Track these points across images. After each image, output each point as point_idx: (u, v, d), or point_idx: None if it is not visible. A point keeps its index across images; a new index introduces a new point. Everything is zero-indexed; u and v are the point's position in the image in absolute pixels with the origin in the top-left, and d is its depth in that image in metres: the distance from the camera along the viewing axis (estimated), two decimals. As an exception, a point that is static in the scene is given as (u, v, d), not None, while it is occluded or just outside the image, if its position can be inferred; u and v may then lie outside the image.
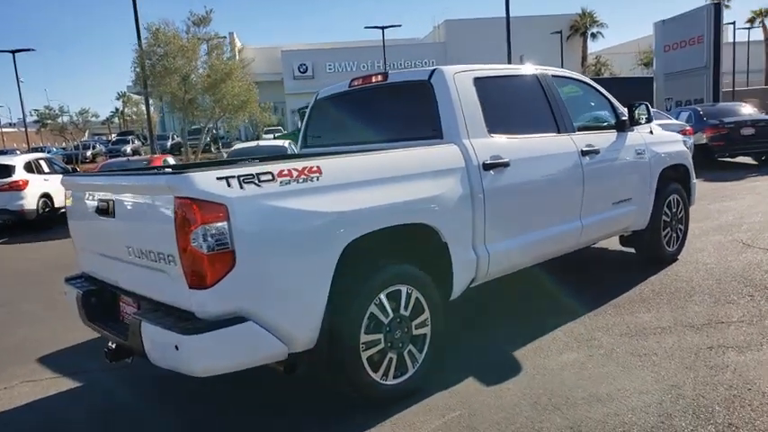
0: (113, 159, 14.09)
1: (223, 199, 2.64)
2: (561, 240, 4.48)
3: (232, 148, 13.36)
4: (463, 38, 45.13)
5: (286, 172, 2.88)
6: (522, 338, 4.10)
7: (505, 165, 3.89)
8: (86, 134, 51.21)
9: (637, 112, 5.08)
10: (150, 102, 24.03)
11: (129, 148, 35.21)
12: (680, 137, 5.91)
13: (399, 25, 43.05)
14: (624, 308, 4.59)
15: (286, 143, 13.18)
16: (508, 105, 4.27)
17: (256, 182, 2.77)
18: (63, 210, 12.99)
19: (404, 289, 3.34)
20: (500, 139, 3.98)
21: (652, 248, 5.59)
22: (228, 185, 2.68)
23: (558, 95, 4.58)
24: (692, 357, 3.60)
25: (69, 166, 14.54)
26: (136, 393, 3.79)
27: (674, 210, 5.72)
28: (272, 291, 2.81)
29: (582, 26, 48.12)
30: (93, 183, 3.45)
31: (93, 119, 42.55)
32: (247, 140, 39.65)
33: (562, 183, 4.39)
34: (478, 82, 4.03)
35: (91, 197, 3.44)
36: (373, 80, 4.37)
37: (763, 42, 48.28)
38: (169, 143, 35.60)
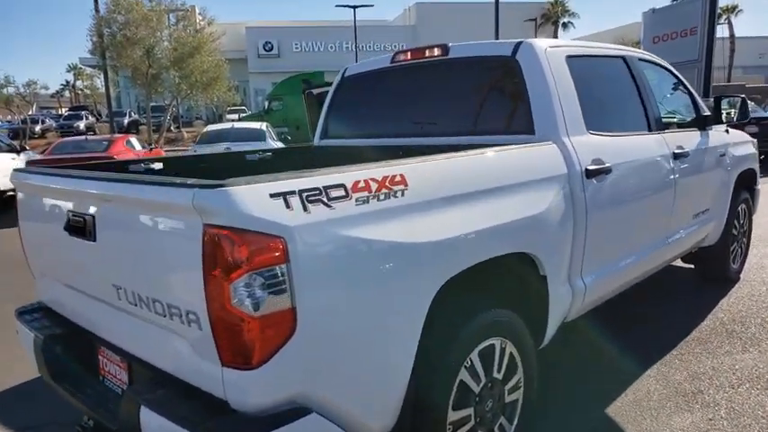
0: (68, 138, 12.59)
1: (282, 229, 1.67)
2: (649, 263, 3.66)
3: (204, 130, 12.10)
4: (434, 22, 44.11)
5: (363, 184, 1.92)
6: (609, 389, 3.26)
7: (607, 171, 3.02)
8: (34, 107, 48.22)
9: (724, 107, 4.28)
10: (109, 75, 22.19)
11: (82, 125, 32.90)
12: (748, 137, 5.16)
13: (372, 5, 41.40)
14: (713, 344, 3.81)
15: (263, 125, 12.04)
16: (601, 94, 3.39)
17: (325, 200, 1.80)
18: (9, 193, 11.55)
19: (497, 343, 2.44)
20: (597, 138, 3.10)
21: (718, 266, 4.85)
22: (287, 206, 1.71)
23: (647, 84, 3.73)
24: None
25: (16, 143, 12.97)
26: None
27: (742, 221, 4.99)
28: (347, 363, 1.87)
29: (554, 15, 47.81)
30: (60, 187, 2.39)
31: (42, 91, 40.07)
32: (208, 121, 37.83)
33: (657, 194, 3.54)
34: (571, 62, 3.12)
35: (57, 205, 2.41)
36: (427, 54, 3.41)
37: (728, 39, 48.95)
38: (126, 120, 33.41)
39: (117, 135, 13.29)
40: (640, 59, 3.85)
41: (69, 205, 2.28)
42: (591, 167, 2.91)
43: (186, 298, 1.77)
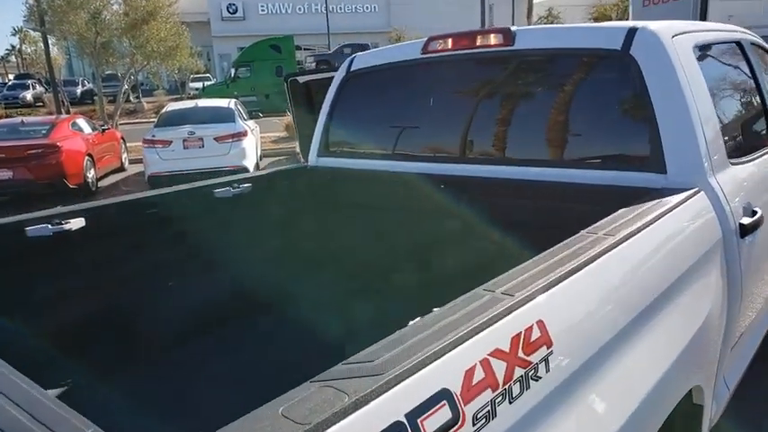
0: (2, 121, 11.03)
1: None
2: None
3: (164, 110, 10.68)
4: (406, -19, 42.10)
5: (481, 374, 0.89)
6: None
7: (759, 222, 2.03)
8: (-22, 76, 45.08)
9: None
10: (53, 41, 20.10)
11: (29, 95, 30.47)
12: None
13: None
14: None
15: (231, 103, 10.70)
16: (728, 100, 2.37)
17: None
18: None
19: None
20: (739, 169, 2.11)
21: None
22: None
23: (765, 79, 2.73)
24: None
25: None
26: None
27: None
28: None
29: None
30: None
31: (-17, 58, 37.19)
32: (169, 89, 35.61)
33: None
34: (702, 54, 2.11)
35: None
36: (480, 43, 2.32)
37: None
38: (79, 90, 31.04)
39: (61, 117, 11.71)
40: (752, 44, 2.83)
41: None
42: (745, 221, 1.93)
43: None
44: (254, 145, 9.83)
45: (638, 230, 1.42)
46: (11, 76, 44.79)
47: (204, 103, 11.13)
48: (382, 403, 0.77)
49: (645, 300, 1.31)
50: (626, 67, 1.96)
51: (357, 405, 0.75)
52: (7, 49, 55.73)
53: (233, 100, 11.06)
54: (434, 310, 1.04)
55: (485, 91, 2.36)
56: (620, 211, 1.58)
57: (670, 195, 1.72)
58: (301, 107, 3.57)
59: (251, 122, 10.54)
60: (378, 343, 0.89)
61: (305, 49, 27.31)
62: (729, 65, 2.50)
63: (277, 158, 12.34)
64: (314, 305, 2.56)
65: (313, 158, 2.94)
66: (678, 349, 1.37)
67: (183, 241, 2.33)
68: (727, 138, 2.09)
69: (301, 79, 3.60)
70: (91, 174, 9.74)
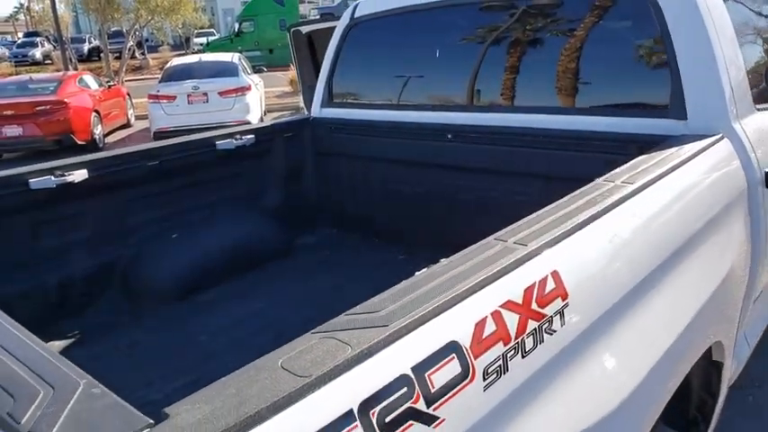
0: (10, 78, 10.97)
1: None
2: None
3: (167, 65, 10.53)
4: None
5: (492, 328, 0.84)
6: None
7: (783, 171, 1.94)
8: (-15, 34, 44.72)
9: None
10: (57, -2, 19.76)
11: (38, 53, 30.25)
12: None
13: None
14: None
15: (235, 57, 10.51)
16: (757, 42, 2.25)
17: (423, 409, 0.72)
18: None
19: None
20: (765, 115, 2.01)
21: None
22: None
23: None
24: None
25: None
26: None
27: None
28: None
29: None
30: None
31: (-9, 16, 36.76)
32: (174, 45, 35.15)
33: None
34: (727, -7, 1.97)
35: None
36: (493, -15, 2.20)
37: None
38: (86, 47, 30.72)
39: (69, 72, 11.62)
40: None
41: None
42: (769, 169, 1.84)
43: None
44: (257, 99, 9.70)
45: (658, 179, 1.35)
46: (20, 35, 44.37)
47: (208, 57, 10.94)
48: (387, 355, 0.72)
49: (665, 251, 1.24)
50: (645, 8, 1.84)
51: (360, 357, 0.70)
52: (16, 7, 54.99)
53: (237, 54, 10.86)
54: (442, 260, 0.99)
55: (495, 37, 2.23)
56: (638, 158, 1.50)
57: (691, 142, 1.63)
58: (304, 58, 3.47)
59: (255, 77, 10.38)
60: (382, 293, 0.84)
61: (308, 2, 26.78)
62: (758, 3, 2.36)
63: (281, 113, 12.18)
64: (317, 260, 2.52)
65: (316, 110, 2.84)
66: (699, 303, 1.31)
67: (185, 193, 2.28)
68: (753, 82, 1.98)
69: (304, 29, 3.48)
70: (98, 130, 9.70)
